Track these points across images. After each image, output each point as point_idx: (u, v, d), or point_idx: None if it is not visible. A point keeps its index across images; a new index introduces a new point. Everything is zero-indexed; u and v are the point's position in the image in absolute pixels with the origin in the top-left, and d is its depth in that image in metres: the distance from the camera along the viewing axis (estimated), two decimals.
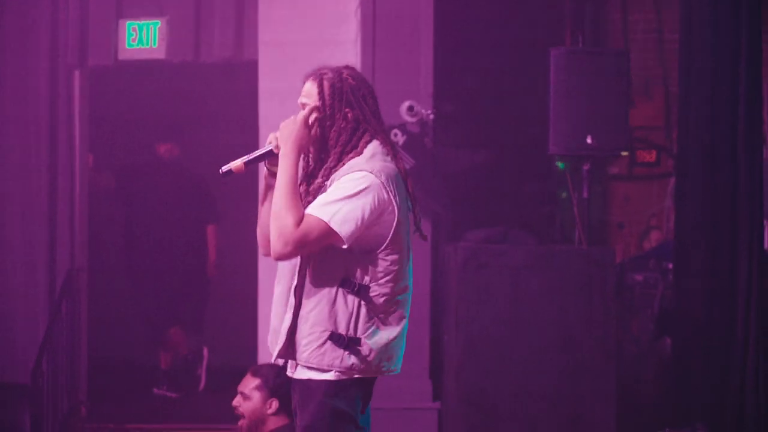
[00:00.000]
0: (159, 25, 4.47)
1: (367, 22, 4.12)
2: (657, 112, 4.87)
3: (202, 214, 4.92)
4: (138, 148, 5.29)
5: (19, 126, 4.54)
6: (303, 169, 1.86)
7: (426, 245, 3.89)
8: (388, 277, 1.78)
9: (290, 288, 1.80)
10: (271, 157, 1.83)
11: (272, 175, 1.83)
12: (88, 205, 4.78)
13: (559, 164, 3.99)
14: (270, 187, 1.85)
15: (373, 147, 1.79)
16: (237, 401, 2.96)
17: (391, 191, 1.74)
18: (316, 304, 1.76)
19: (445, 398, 3.84)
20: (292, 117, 1.81)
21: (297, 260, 1.79)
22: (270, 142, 1.83)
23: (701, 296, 3.74)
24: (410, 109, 3.98)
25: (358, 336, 1.75)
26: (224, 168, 1.83)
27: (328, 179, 1.78)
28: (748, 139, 3.72)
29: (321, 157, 1.84)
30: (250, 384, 2.97)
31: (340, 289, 1.75)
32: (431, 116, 4.02)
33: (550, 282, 3.62)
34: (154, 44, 4.48)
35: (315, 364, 1.75)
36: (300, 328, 1.77)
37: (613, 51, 4.43)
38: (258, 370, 3.01)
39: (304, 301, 1.77)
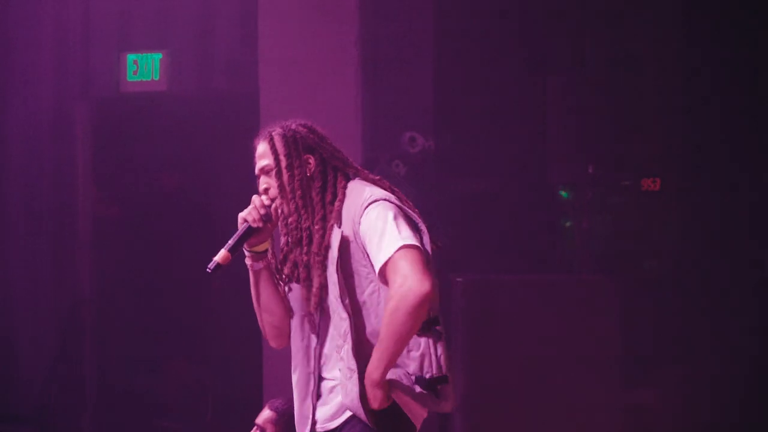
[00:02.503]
0: (161, 57, 4.56)
1: (367, 52, 4.16)
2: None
3: (206, 245, 4.93)
4: (141, 179, 5.26)
5: (23, 159, 4.63)
6: (286, 241, 1.73)
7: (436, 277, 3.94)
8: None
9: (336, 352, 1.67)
10: (251, 235, 1.72)
11: (254, 257, 1.74)
12: (91, 235, 4.83)
13: (562, 193, 4.03)
14: (256, 273, 1.75)
15: (355, 185, 1.70)
16: None
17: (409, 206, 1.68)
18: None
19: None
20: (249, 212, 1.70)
21: (313, 338, 1.70)
22: (244, 221, 1.71)
23: None
24: (412, 139, 4.01)
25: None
26: (211, 265, 1.71)
27: (328, 236, 1.65)
28: None
29: (303, 221, 1.70)
30: (265, 416, 3.02)
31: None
32: (432, 146, 4.04)
33: (552, 311, 3.63)
34: (156, 76, 4.57)
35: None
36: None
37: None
38: (274, 404, 3.00)
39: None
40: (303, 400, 1.74)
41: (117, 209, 5.23)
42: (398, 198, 1.67)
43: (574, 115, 4.02)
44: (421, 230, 1.64)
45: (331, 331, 1.68)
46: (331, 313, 1.67)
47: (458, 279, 3.76)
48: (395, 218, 1.60)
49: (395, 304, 1.52)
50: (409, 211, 1.65)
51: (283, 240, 1.74)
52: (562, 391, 3.59)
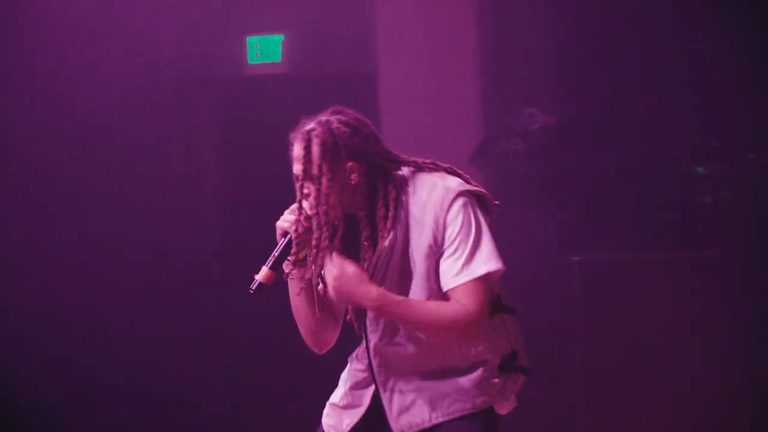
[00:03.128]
0: (282, 39, 4.65)
1: (487, 31, 4.13)
2: None
3: None
4: (264, 161, 5.29)
5: (146, 148, 4.74)
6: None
7: (552, 253, 3.91)
8: None
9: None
10: (292, 247, 1.59)
11: (295, 265, 1.63)
12: (218, 224, 5.01)
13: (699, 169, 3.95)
14: (295, 282, 1.64)
15: (420, 180, 1.58)
16: None
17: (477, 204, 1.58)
18: None
19: None
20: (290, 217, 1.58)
21: None
22: (284, 233, 1.59)
23: None
24: (531, 116, 3.98)
25: None
26: (253, 285, 1.59)
27: (386, 240, 1.55)
28: None
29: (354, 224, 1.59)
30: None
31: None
32: (551, 123, 4.01)
33: (676, 290, 3.58)
34: (277, 59, 4.65)
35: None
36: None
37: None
38: None
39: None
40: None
41: (242, 190, 5.31)
42: (469, 183, 1.60)
43: (697, 89, 3.95)
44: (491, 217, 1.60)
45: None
46: None
47: (575, 258, 3.75)
48: (477, 229, 1.52)
49: (447, 314, 1.51)
50: (483, 193, 1.59)
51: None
52: (681, 369, 3.57)
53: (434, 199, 1.53)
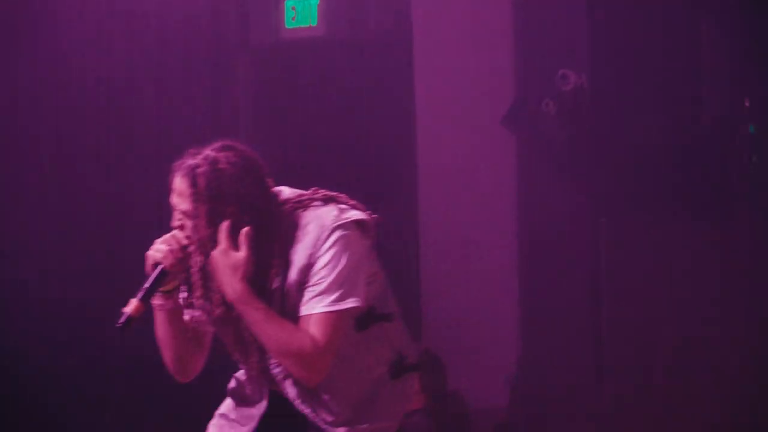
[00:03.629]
0: (318, 2, 4.64)
1: None
2: None
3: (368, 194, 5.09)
4: (301, 126, 5.33)
5: (183, 116, 4.70)
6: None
7: (584, 218, 3.93)
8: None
9: None
10: (165, 278, 1.56)
11: (164, 297, 1.60)
12: None
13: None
14: (164, 311, 1.62)
15: (304, 218, 1.56)
16: None
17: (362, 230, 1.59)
18: None
19: None
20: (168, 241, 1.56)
21: None
22: (156, 262, 1.55)
23: None
24: (564, 77, 3.96)
25: None
26: (121, 319, 1.53)
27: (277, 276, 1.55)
28: None
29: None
30: None
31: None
32: (586, 84, 3.99)
33: (707, 257, 3.60)
34: (314, 22, 4.66)
35: None
36: None
37: None
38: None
39: None
40: None
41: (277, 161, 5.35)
42: (347, 209, 1.59)
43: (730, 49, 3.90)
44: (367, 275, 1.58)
45: None
46: None
47: (602, 219, 3.78)
48: (346, 263, 1.51)
49: (295, 341, 1.49)
50: (360, 219, 1.58)
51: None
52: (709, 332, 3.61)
53: (308, 239, 1.52)
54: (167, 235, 1.56)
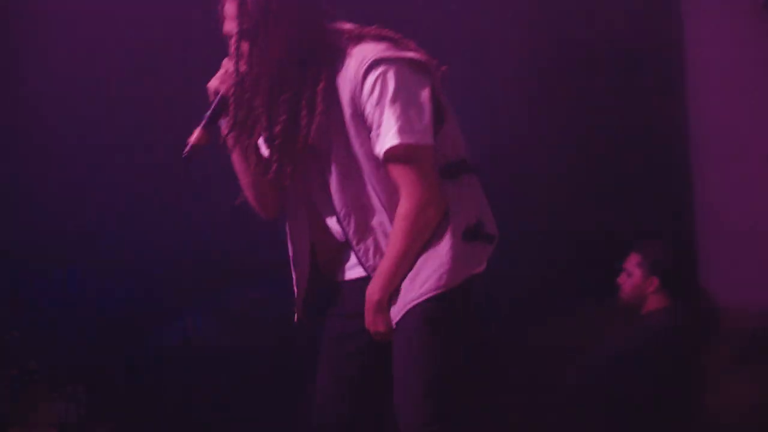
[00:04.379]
0: None
1: None
2: None
3: None
4: None
5: None
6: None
7: None
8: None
9: None
10: (226, 105, 1.51)
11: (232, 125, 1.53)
12: None
13: None
14: (240, 160, 1.56)
15: (354, 48, 1.46)
16: (621, 278, 3.01)
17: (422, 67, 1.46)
18: None
19: None
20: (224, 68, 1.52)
21: None
22: (215, 90, 1.52)
23: None
24: None
25: None
26: (186, 150, 1.50)
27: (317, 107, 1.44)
28: None
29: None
30: (632, 261, 2.99)
31: None
32: None
33: None
34: None
35: None
36: None
37: None
38: (642, 247, 3.03)
39: None
40: None
41: None
42: (404, 49, 1.46)
43: None
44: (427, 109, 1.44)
45: None
46: None
47: None
48: (396, 93, 1.41)
49: (411, 225, 1.43)
50: (417, 58, 1.45)
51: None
52: None
53: (350, 71, 1.43)
54: (225, 62, 1.52)
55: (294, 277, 1.61)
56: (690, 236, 4.02)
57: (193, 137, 1.48)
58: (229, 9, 1.44)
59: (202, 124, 1.49)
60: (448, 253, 1.44)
